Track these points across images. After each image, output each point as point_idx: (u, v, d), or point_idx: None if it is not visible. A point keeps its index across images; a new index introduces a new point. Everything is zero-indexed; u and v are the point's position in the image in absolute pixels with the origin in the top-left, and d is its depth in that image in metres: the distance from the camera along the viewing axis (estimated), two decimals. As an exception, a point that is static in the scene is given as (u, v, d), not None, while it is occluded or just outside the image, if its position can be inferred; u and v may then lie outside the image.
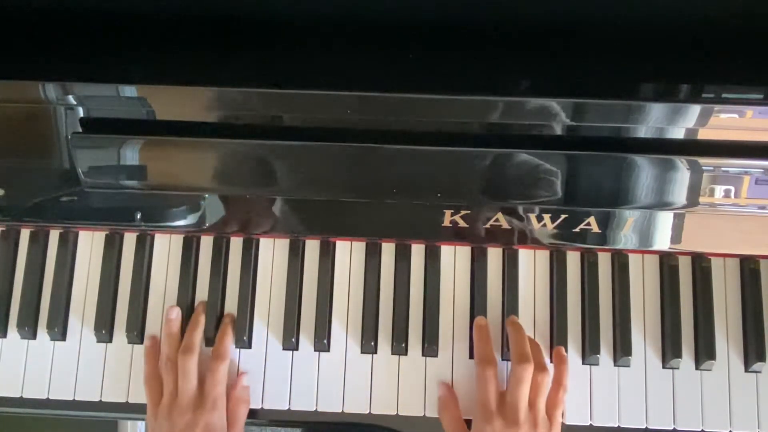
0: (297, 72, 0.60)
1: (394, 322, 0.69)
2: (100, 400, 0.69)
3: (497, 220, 0.65)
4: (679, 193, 0.61)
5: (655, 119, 0.58)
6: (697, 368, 0.68)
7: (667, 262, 0.69)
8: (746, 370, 0.68)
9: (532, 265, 0.70)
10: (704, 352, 0.67)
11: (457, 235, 0.67)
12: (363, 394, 0.68)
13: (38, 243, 0.71)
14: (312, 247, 0.71)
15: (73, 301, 0.71)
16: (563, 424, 0.66)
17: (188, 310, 0.70)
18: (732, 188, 0.60)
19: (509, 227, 0.66)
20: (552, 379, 0.65)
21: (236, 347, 0.69)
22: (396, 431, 0.68)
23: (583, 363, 0.68)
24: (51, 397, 0.69)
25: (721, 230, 0.65)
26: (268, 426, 0.71)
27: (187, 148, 0.62)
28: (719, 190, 0.61)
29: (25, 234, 0.72)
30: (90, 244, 0.72)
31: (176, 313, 0.69)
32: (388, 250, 0.70)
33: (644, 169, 0.60)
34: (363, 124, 0.60)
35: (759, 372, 0.68)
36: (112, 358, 0.69)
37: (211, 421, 0.63)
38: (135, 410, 0.69)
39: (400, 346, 0.68)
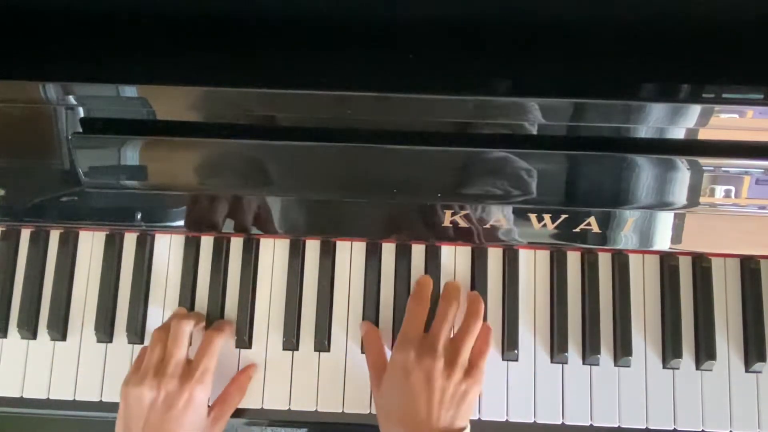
0: (297, 72, 0.60)
1: (395, 322, 0.69)
2: (100, 400, 0.69)
3: (497, 220, 0.65)
4: (680, 193, 0.61)
5: (655, 119, 0.58)
6: (697, 368, 0.68)
7: (668, 262, 0.69)
8: (746, 370, 0.68)
9: (533, 265, 0.70)
10: (704, 352, 0.67)
11: (457, 235, 0.67)
12: (363, 394, 0.68)
13: (38, 243, 0.71)
14: (312, 247, 0.71)
15: (74, 301, 0.71)
16: (565, 425, 0.66)
17: (189, 311, 0.70)
18: (732, 188, 0.60)
19: (509, 227, 0.66)
20: (479, 331, 0.64)
21: (236, 347, 0.69)
22: (396, 431, 0.68)
23: (584, 363, 0.68)
24: (51, 397, 0.69)
25: (722, 230, 0.65)
26: (269, 426, 0.70)
27: (188, 148, 0.62)
28: (719, 190, 0.61)
29: (25, 234, 0.72)
30: (90, 244, 0.72)
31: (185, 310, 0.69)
32: (388, 250, 0.70)
33: (645, 169, 0.60)
34: (363, 124, 0.60)
35: (759, 372, 0.68)
36: (112, 358, 0.69)
37: (195, 395, 0.59)
38: (135, 410, 0.69)
39: (400, 346, 0.68)
